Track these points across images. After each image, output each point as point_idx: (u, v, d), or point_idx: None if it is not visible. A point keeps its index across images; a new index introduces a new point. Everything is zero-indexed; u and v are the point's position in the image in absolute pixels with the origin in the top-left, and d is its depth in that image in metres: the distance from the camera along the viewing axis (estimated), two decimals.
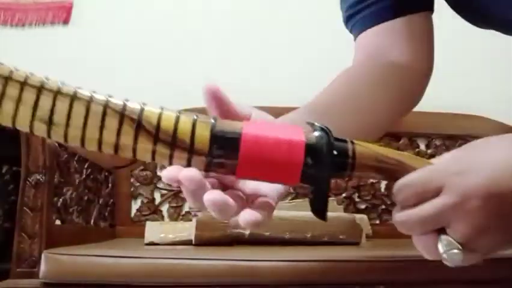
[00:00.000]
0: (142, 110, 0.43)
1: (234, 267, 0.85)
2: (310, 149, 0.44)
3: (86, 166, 1.19)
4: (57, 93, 0.42)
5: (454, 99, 1.56)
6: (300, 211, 1.09)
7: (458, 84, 1.57)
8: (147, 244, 1.14)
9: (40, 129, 0.42)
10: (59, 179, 1.01)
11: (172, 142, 0.42)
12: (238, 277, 0.84)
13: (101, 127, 0.42)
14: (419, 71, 0.73)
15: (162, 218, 1.53)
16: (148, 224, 1.22)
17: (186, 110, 1.56)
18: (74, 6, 1.64)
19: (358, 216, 1.24)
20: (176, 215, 1.53)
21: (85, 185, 1.19)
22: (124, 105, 0.43)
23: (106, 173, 1.40)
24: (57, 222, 1.02)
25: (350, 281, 0.84)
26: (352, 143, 0.45)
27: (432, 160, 0.47)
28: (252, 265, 0.85)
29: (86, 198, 1.20)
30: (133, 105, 0.43)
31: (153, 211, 1.53)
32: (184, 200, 1.54)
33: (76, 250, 0.91)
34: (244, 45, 1.65)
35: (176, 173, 0.42)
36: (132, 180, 1.53)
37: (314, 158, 0.44)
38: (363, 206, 1.55)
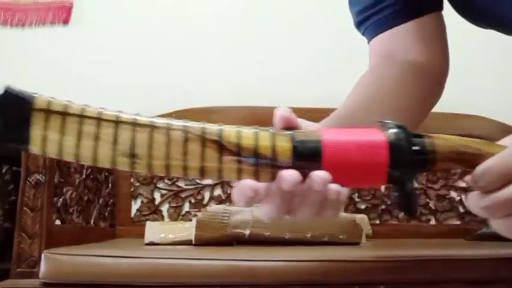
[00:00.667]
0: (220, 130, 0.43)
1: (234, 267, 0.85)
2: (392, 147, 0.44)
3: (86, 166, 1.19)
4: (134, 124, 0.42)
5: (454, 99, 1.56)
6: None
7: (458, 84, 1.56)
8: (147, 244, 1.14)
9: (123, 164, 0.42)
10: (59, 179, 1.01)
11: (257, 160, 0.43)
12: (238, 277, 0.84)
13: (185, 153, 0.42)
14: (437, 69, 0.73)
15: (162, 218, 1.53)
16: (148, 224, 1.22)
17: (186, 110, 1.55)
18: (74, 6, 1.64)
19: (358, 216, 1.24)
20: (176, 215, 1.53)
21: (85, 185, 1.19)
22: (203, 128, 0.43)
23: (106, 173, 1.40)
24: (57, 222, 1.02)
25: (350, 281, 0.84)
26: (429, 136, 0.46)
27: (502, 142, 0.48)
28: (252, 265, 0.85)
29: (86, 198, 1.20)
30: (212, 127, 0.43)
31: (153, 211, 1.53)
32: (184, 200, 1.54)
33: (76, 250, 0.91)
34: (244, 46, 1.65)
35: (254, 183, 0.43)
36: (132, 180, 1.53)
37: (397, 156, 0.44)
38: (363, 206, 1.55)
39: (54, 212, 0.98)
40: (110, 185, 1.43)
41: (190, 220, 1.36)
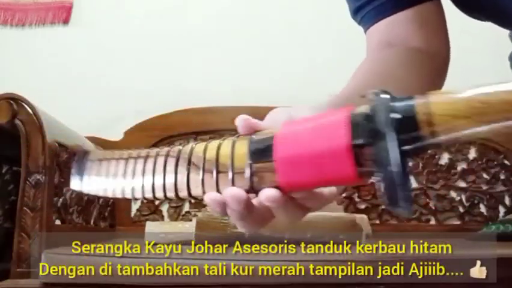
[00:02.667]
0: (191, 149, 0.44)
1: (234, 267, 0.85)
2: (359, 121, 0.34)
3: None
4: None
5: None
6: None
7: (458, 84, 1.56)
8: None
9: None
10: (59, 179, 1.00)
11: (216, 169, 0.41)
12: (238, 277, 0.84)
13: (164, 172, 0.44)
14: (440, 57, 0.72)
15: (162, 218, 1.53)
16: (148, 224, 1.22)
17: (186, 110, 1.54)
18: (74, 6, 1.64)
19: (358, 216, 1.24)
20: (176, 215, 1.53)
21: None
22: (179, 151, 0.44)
23: None
24: (57, 222, 1.01)
25: (350, 281, 0.84)
26: (423, 97, 0.35)
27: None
28: (252, 265, 0.85)
29: (86, 198, 1.20)
30: (185, 147, 0.44)
31: (153, 211, 1.53)
32: (184, 200, 1.54)
33: (76, 250, 0.91)
34: (244, 46, 1.65)
35: (219, 195, 0.42)
36: None
37: (366, 132, 0.34)
38: (363, 206, 1.55)
39: (54, 212, 0.98)
40: None
41: (190, 220, 1.36)
